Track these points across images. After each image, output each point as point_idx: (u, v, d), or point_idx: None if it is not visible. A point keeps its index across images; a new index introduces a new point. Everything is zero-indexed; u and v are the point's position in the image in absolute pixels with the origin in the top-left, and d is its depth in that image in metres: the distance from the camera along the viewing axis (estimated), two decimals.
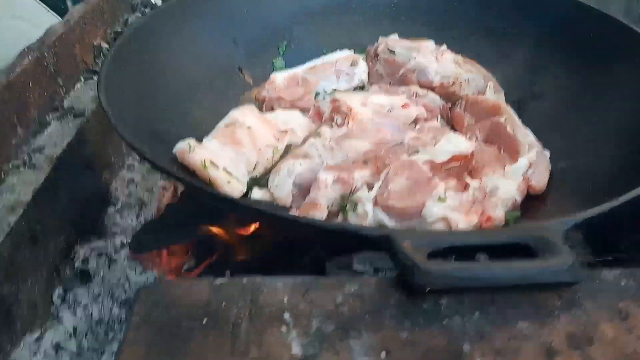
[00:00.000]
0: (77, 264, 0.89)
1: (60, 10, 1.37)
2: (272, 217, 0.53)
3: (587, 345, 0.39)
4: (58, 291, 0.84)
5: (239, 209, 0.62)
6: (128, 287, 0.88)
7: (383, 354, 0.38)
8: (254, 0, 1.02)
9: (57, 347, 0.77)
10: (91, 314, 0.83)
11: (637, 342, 0.40)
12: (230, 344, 0.39)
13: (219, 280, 0.43)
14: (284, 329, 0.39)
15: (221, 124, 0.76)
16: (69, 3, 2.26)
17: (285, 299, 0.42)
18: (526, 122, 0.88)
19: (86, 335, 0.81)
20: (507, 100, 0.94)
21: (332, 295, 0.42)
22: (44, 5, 2.19)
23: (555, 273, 0.42)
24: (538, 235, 0.45)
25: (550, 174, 0.77)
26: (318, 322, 0.40)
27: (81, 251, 0.91)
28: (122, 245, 0.94)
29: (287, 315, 0.40)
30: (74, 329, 0.81)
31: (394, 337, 0.39)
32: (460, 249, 0.46)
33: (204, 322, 0.40)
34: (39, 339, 0.77)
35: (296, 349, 0.38)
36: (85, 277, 0.88)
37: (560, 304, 0.42)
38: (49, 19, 1.26)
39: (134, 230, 0.97)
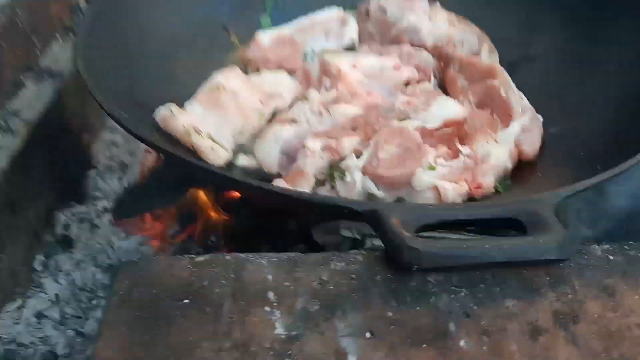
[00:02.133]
0: (59, 230, 0.87)
1: None
2: (256, 188, 0.51)
3: (572, 324, 0.39)
4: (39, 258, 0.83)
5: (220, 180, 0.60)
6: (112, 252, 0.87)
7: (368, 334, 0.37)
8: None
9: (40, 315, 0.76)
10: (74, 280, 0.82)
11: (623, 319, 0.39)
12: (213, 324, 0.38)
13: (201, 257, 0.41)
14: (267, 308, 0.38)
15: (204, 87, 0.73)
16: None
17: (270, 277, 0.40)
18: (519, 85, 0.86)
19: (69, 302, 0.80)
20: (501, 62, 0.92)
21: (317, 272, 0.41)
22: None
23: (546, 250, 0.41)
24: (529, 209, 0.43)
25: (542, 140, 0.76)
26: (303, 301, 0.39)
27: (62, 217, 0.89)
28: (105, 210, 0.92)
29: (271, 294, 0.39)
30: (57, 297, 0.79)
31: (379, 317, 0.38)
32: (449, 223, 0.44)
33: (186, 301, 0.39)
34: (20, 308, 0.76)
35: (280, 329, 0.37)
36: (67, 243, 0.86)
37: (548, 281, 0.41)
38: None
39: (116, 195, 0.95)
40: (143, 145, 1.01)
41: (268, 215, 0.82)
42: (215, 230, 0.84)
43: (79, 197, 0.93)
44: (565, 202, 0.46)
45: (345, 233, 0.73)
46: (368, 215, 0.43)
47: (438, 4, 0.94)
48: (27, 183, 0.81)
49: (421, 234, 0.43)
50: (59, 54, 1.01)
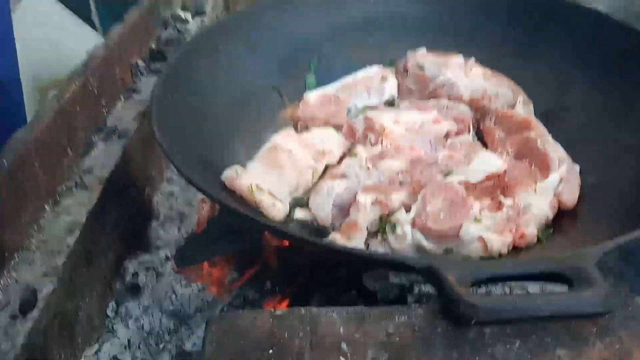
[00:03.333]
0: (128, 278, 0.94)
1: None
2: (314, 244, 0.57)
3: None
4: (112, 305, 0.90)
5: (281, 235, 0.66)
6: (175, 298, 0.93)
7: None
8: (283, 19, 1.06)
9: (114, 359, 0.83)
10: (142, 325, 0.88)
11: None
12: None
13: (279, 312, 0.47)
14: (342, 358, 0.44)
15: (263, 148, 0.80)
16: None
17: (342, 330, 0.46)
18: (554, 134, 0.91)
19: (139, 346, 0.86)
20: (536, 112, 0.97)
21: (383, 325, 0.46)
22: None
23: (591, 305, 0.45)
24: (573, 264, 0.48)
25: (581, 190, 0.80)
26: (373, 352, 0.44)
27: (130, 266, 0.96)
28: (167, 258, 0.99)
29: (344, 346, 0.44)
30: (128, 341, 0.86)
31: None
32: (500, 278, 0.49)
33: (270, 352, 0.44)
34: (97, 352, 0.83)
35: None
36: (135, 290, 0.93)
37: (595, 331, 0.46)
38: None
39: (176, 243, 1.02)
40: (199, 196, 1.10)
41: (321, 263, 0.88)
42: (270, 277, 0.90)
43: (144, 247, 1.01)
44: (607, 255, 0.51)
45: (395, 280, 0.78)
46: (424, 271, 0.49)
47: (473, 59, 1.00)
48: (100, 235, 0.89)
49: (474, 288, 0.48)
50: (123, 114, 1.11)
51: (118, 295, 0.92)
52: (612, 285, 0.56)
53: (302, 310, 0.48)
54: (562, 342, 0.45)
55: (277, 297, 0.88)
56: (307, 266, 0.90)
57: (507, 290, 0.61)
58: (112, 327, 0.87)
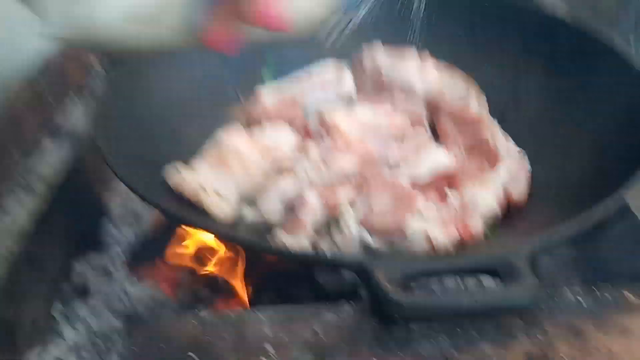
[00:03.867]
0: (76, 279, 0.92)
1: None
2: (250, 244, 0.56)
3: None
4: (58, 307, 0.87)
5: (221, 236, 0.65)
6: (126, 299, 0.91)
7: None
8: None
9: None
10: (90, 326, 0.86)
11: (589, 358, 0.43)
12: None
13: (204, 315, 0.46)
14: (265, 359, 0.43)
15: (209, 146, 0.78)
16: None
17: (268, 331, 0.45)
18: (508, 129, 0.91)
19: (86, 348, 0.84)
20: (490, 109, 0.97)
21: (310, 324, 0.45)
22: None
23: (517, 301, 0.45)
24: (503, 261, 0.48)
25: (531, 185, 0.80)
26: (297, 353, 0.43)
27: (79, 266, 0.93)
28: (119, 257, 0.97)
29: (269, 347, 0.43)
30: (75, 343, 0.84)
31: None
32: (431, 273, 0.49)
33: (192, 355, 0.43)
34: (40, 354, 0.81)
35: None
36: (83, 291, 0.91)
37: (522, 325, 0.45)
38: None
39: (130, 243, 1.00)
40: None
41: (274, 259, 0.87)
42: (223, 274, 0.89)
43: (95, 247, 0.98)
44: (538, 251, 0.50)
45: (348, 275, 0.77)
46: (355, 269, 0.48)
47: (427, 53, 1.00)
48: (46, 237, 0.87)
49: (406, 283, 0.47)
50: (73, 112, 1.08)
51: (65, 296, 0.89)
52: (542, 279, 0.56)
53: (229, 312, 0.47)
54: (487, 336, 0.44)
55: (228, 295, 0.87)
56: (260, 263, 0.89)
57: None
58: (58, 329, 0.85)
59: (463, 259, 0.50)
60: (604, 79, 0.82)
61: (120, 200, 1.09)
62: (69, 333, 0.85)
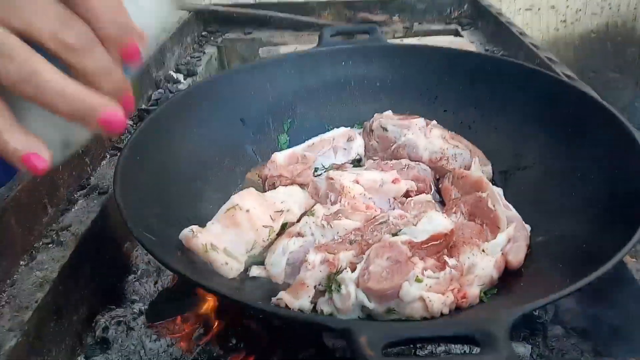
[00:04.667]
0: (98, 332, 0.97)
1: None
2: (244, 305, 0.60)
3: None
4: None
5: (218, 295, 0.69)
6: (143, 353, 0.95)
7: None
8: (259, 82, 1.13)
9: None
10: None
11: None
12: None
13: None
14: None
15: (223, 208, 0.84)
16: None
17: None
18: (511, 192, 0.94)
19: None
20: (495, 171, 1.01)
21: None
22: None
23: None
24: (483, 328, 0.50)
25: (530, 248, 0.82)
26: None
27: (102, 320, 0.98)
28: (140, 312, 1.02)
29: None
30: None
31: None
32: (415, 340, 0.51)
33: None
34: None
35: None
36: (104, 344, 0.96)
37: None
38: None
39: (151, 298, 1.05)
40: None
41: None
42: (235, 332, 0.92)
43: (118, 301, 1.04)
44: (520, 319, 0.53)
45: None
46: (341, 333, 0.51)
47: (434, 122, 1.05)
48: (73, 290, 0.93)
49: (389, 350, 0.50)
50: (107, 172, 1.17)
51: (88, 349, 0.94)
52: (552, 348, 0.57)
53: None
54: None
55: (241, 353, 0.90)
56: (269, 323, 0.92)
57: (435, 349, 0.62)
58: None
59: (446, 326, 0.52)
60: (602, 144, 0.85)
61: (145, 255, 1.15)
62: None
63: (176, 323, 0.99)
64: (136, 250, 1.16)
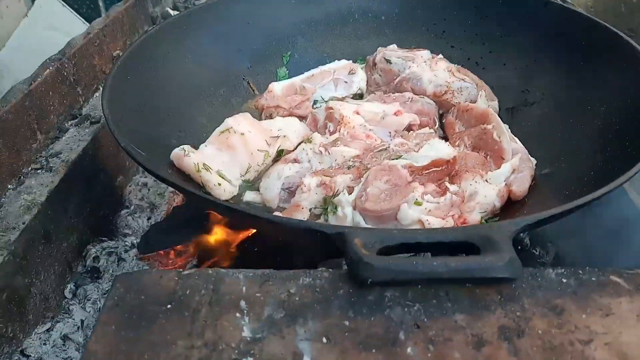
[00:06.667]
0: (89, 261, 0.95)
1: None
2: (238, 213, 0.57)
3: (517, 338, 0.42)
4: (70, 286, 0.90)
5: (211, 206, 0.66)
6: None
7: (324, 339, 0.42)
8: (257, 11, 1.08)
9: (65, 338, 0.83)
10: (99, 308, 0.89)
11: (566, 335, 0.42)
12: (190, 326, 0.43)
13: (187, 271, 0.47)
14: (238, 314, 0.44)
15: (216, 131, 0.81)
16: (103, 15, 2.36)
17: (244, 289, 0.46)
18: (518, 128, 0.91)
19: (93, 327, 0.86)
20: (501, 107, 0.97)
21: (286, 286, 0.46)
22: (80, 17, 2.31)
23: (493, 268, 0.44)
24: (484, 235, 0.47)
25: (535, 180, 0.79)
26: (270, 310, 0.44)
27: (93, 250, 0.97)
28: (132, 245, 1.00)
29: (242, 303, 0.44)
30: (82, 322, 0.86)
31: (336, 325, 0.43)
32: (411, 246, 0.49)
33: (168, 306, 0.44)
34: (49, 330, 0.84)
35: (246, 332, 0.42)
36: (95, 274, 0.94)
37: (499, 299, 0.45)
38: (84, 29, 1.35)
39: (144, 232, 1.03)
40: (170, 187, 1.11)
41: (278, 252, 0.88)
42: (228, 266, 0.91)
43: (110, 233, 1.02)
44: (523, 230, 0.50)
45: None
46: (336, 237, 0.48)
47: (440, 55, 1.01)
48: (62, 217, 0.90)
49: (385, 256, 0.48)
50: (99, 102, 1.13)
51: (78, 277, 0.93)
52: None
53: (209, 270, 0.48)
54: (462, 307, 0.44)
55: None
56: (264, 255, 0.90)
57: None
58: (68, 308, 0.88)
59: (443, 232, 0.49)
60: (615, 74, 0.81)
61: (139, 190, 1.13)
62: (78, 312, 0.88)
63: (169, 256, 0.97)
64: (129, 186, 1.13)
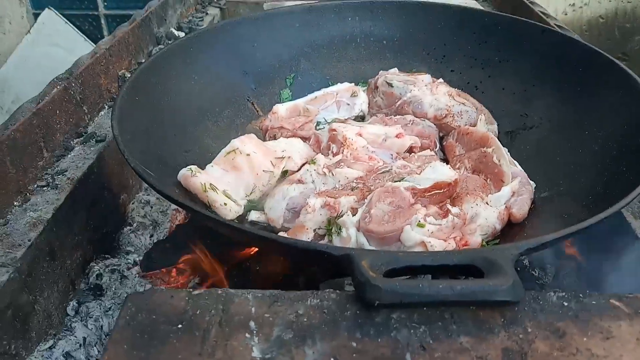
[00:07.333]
0: (92, 278, 0.96)
1: (97, 40, 1.48)
2: (245, 233, 0.58)
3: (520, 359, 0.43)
4: (72, 304, 0.91)
5: (215, 225, 0.67)
6: None
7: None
8: (262, 35, 1.10)
9: (67, 356, 0.83)
10: (101, 326, 0.89)
11: (568, 358, 0.43)
12: (200, 346, 0.44)
13: (197, 291, 0.48)
14: (248, 335, 0.44)
15: (222, 151, 0.82)
16: (105, 33, 2.42)
17: (253, 309, 0.47)
18: (517, 151, 0.93)
19: (95, 345, 0.87)
20: (501, 131, 0.99)
21: (295, 307, 0.47)
22: (82, 35, 2.35)
23: (497, 292, 0.45)
24: (487, 258, 0.49)
25: (534, 203, 0.81)
26: (279, 330, 0.45)
27: (96, 267, 0.97)
28: (135, 263, 1.00)
29: (252, 324, 0.45)
30: (84, 339, 0.87)
31: (344, 346, 0.44)
32: (416, 269, 0.50)
33: (179, 326, 0.45)
34: (51, 348, 0.84)
35: (256, 353, 0.43)
36: (98, 291, 0.94)
37: (502, 322, 0.46)
38: (86, 47, 1.37)
39: (146, 249, 1.03)
40: (174, 205, 1.12)
41: (280, 272, 0.88)
42: (233, 286, 0.91)
43: (113, 250, 1.02)
44: (525, 254, 0.51)
45: (349, 289, 0.78)
46: (343, 259, 0.50)
47: (440, 79, 1.03)
48: (67, 234, 0.91)
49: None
50: (105, 121, 1.14)
51: (81, 295, 0.93)
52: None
53: (219, 290, 0.49)
54: (466, 329, 0.45)
55: None
56: (266, 275, 0.91)
57: None
58: (71, 326, 0.88)
59: (449, 255, 0.51)
60: (612, 100, 0.84)
61: (142, 208, 1.14)
62: (80, 330, 0.88)
63: (171, 274, 0.98)
64: (132, 203, 1.14)
